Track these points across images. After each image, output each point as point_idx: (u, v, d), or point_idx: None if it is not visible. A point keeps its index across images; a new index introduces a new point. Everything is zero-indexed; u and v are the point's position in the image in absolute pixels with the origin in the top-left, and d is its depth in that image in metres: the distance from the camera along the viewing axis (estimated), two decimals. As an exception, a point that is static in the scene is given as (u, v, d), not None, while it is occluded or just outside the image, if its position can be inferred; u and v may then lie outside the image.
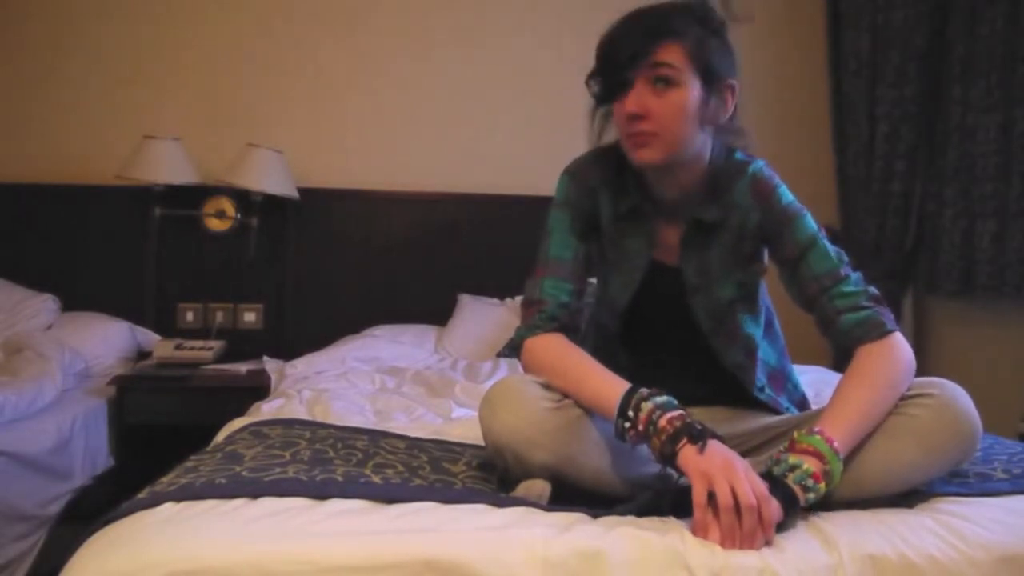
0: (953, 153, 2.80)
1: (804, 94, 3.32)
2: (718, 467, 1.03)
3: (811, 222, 1.34)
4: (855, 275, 1.31)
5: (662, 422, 1.09)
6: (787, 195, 1.35)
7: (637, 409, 1.12)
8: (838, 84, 3.24)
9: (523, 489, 1.15)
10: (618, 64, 1.26)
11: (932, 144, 2.92)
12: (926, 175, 2.95)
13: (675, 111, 1.25)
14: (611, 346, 1.45)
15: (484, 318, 2.96)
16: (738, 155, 1.37)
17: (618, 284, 1.41)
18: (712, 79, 1.27)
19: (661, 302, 1.39)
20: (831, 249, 1.32)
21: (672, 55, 1.25)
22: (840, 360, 2.98)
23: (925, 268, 2.97)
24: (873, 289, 1.30)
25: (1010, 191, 2.58)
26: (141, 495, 1.12)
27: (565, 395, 1.21)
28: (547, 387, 1.21)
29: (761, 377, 1.44)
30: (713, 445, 1.07)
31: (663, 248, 1.39)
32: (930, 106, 2.91)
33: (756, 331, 1.42)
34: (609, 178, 1.39)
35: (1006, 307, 2.69)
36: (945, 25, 2.85)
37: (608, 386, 1.18)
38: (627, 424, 1.13)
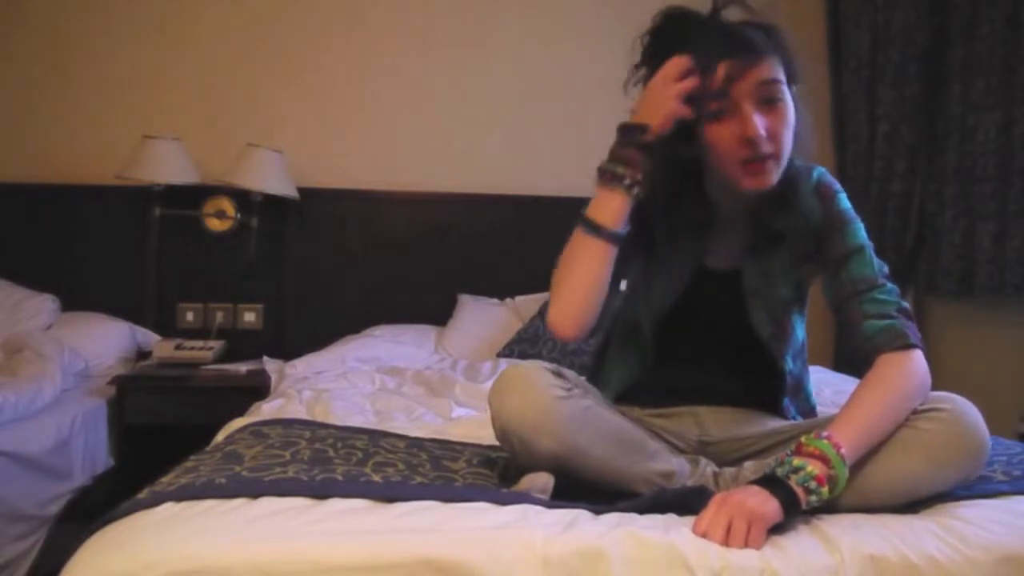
0: (953, 153, 2.80)
1: (804, 94, 3.32)
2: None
3: (863, 232, 1.34)
4: (892, 287, 1.31)
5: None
6: (845, 201, 1.36)
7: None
8: (838, 84, 3.24)
9: (527, 481, 1.15)
10: (722, 82, 1.21)
11: (932, 144, 2.92)
12: (926, 175, 2.95)
13: (787, 125, 1.25)
14: (640, 343, 1.42)
15: (484, 318, 2.96)
16: (797, 162, 1.36)
17: (660, 291, 1.39)
18: (793, 86, 1.27)
19: (705, 306, 1.38)
20: (875, 260, 1.32)
21: (777, 70, 1.24)
22: (840, 362, 2.98)
23: (925, 268, 2.97)
24: (905, 304, 1.30)
25: (1010, 191, 2.57)
26: (141, 495, 1.12)
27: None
28: (558, 375, 1.21)
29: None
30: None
31: (715, 255, 1.38)
32: (930, 106, 2.91)
33: (801, 335, 1.42)
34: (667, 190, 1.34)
35: (1006, 307, 2.68)
36: (945, 25, 2.85)
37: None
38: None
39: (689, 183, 1.35)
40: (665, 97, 1.21)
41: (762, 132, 1.21)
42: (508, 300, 3.07)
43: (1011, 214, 2.57)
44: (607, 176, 1.24)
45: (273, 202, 2.98)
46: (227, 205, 3.05)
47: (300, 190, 3.00)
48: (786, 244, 1.36)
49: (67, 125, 3.05)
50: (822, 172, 1.38)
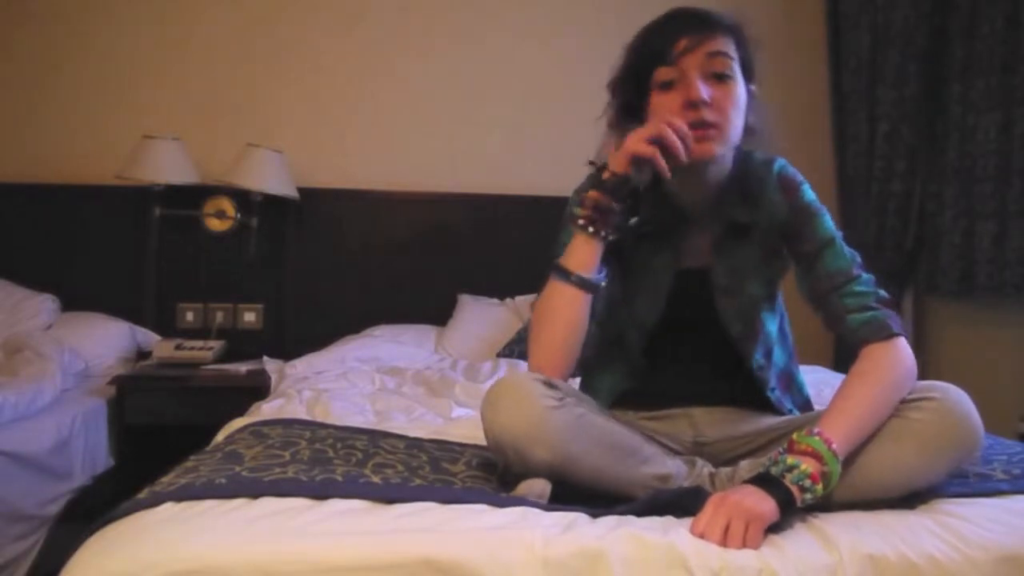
0: (953, 153, 2.80)
1: (804, 94, 3.32)
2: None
3: (830, 222, 1.35)
4: (867, 276, 1.31)
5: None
6: (810, 193, 1.36)
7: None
8: (838, 84, 3.24)
9: (524, 488, 1.15)
10: (672, 53, 1.24)
11: (932, 144, 2.92)
12: (926, 175, 2.95)
13: (734, 103, 1.26)
14: (628, 350, 1.42)
15: (484, 318, 2.96)
16: (757, 154, 1.37)
17: (644, 302, 1.38)
18: (749, 77, 1.30)
19: (684, 306, 1.38)
20: (847, 250, 1.33)
21: (728, 47, 1.26)
22: (840, 361, 2.98)
23: (925, 268, 2.97)
24: (883, 293, 1.30)
25: (1010, 191, 2.58)
26: (141, 495, 1.12)
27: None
28: (550, 385, 1.20)
29: (772, 378, 1.43)
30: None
31: (688, 255, 1.38)
32: (930, 106, 2.91)
33: (773, 329, 1.42)
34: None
35: (1006, 307, 2.68)
36: (945, 25, 2.85)
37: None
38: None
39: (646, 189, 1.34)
40: (630, 142, 1.24)
41: (705, 98, 1.23)
42: (508, 300, 3.07)
43: (1011, 214, 2.57)
44: (571, 221, 1.29)
45: (273, 202, 2.98)
46: (227, 205, 3.05)
47: (300, 190, 3.00)
48: (754, 240, 1.36)
49: (67, 125, 3.05)
50: (783, 164, 1.38)
